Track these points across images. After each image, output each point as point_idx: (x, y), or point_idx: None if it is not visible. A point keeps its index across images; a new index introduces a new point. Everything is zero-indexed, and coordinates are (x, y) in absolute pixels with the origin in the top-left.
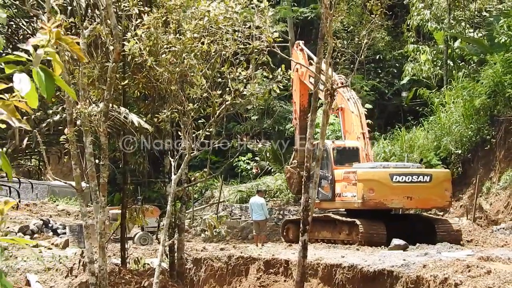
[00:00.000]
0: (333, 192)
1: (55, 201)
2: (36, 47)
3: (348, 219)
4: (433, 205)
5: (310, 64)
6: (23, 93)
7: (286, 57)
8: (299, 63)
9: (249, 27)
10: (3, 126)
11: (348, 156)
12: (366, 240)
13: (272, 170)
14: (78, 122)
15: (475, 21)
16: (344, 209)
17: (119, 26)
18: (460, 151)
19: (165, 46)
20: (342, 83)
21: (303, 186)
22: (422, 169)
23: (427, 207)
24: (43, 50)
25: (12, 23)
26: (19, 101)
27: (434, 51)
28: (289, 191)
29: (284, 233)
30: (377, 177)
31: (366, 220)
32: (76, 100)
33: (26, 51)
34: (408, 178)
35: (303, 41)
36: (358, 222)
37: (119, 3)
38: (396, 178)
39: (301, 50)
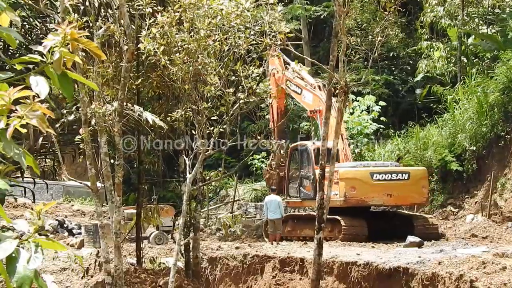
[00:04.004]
0: (315, 191)
1: (70, 201)
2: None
3: (331, 217)
4: (411, 201)
5: (286, 68)
6: (42, 96)
7: (300, 55)
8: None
9: (261, 25)
10: (24, 130)
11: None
12: (348, 237)
13: None
14: (93, 122)
15: (489, 17)
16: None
17: (132, 26)
18: (474, 148)
19: (179, 44)
20: (319, 86)
21: (317, 185)
22: (401, 167)
23: (406, 204)
24: (59, 52)
25: (25, 23)
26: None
27: (448, 48)
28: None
29: (267, 231)
30: (358, 176)
31: (347, 217)
32: (99, 90)
33: (39, 52)
34: (388, 176)
35: (281, 46)
36: (340, 219)
37: (132, 3)
38: (376, 176)
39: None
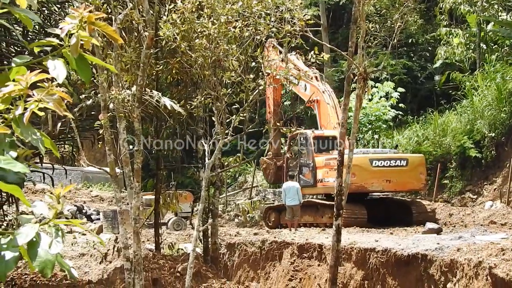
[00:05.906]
0: (315, 178)
1: (88, 187)
2: (70, 34)
3: (331, 203)
4: (410, 187)
5: (282, 59)
6: (60, 80)
7: (319, 41)
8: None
9: (281, 11)
10: (42, 114)
11: (326, 144)
12: (348, 223)
13: None
14: (111, 107)
15: (508, 3)
16: (323, 194)
17: (151, 12)
18: (493, 134)
19: (199, 30)
20: (316, 77)
21: (336, 171)
22: (399, 154)
23: (404, 190)
24: (76, 36)
25: (44, 8)
26: (61, 90)
27: (467, 34)
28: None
29: (267, 220)
30: (358, 162)
31: (347, 204)
32: (117, 73)
33: (57, 36)
34: (387, 162)
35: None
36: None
37: None
38: (375, 163)
39: (273, 47)
